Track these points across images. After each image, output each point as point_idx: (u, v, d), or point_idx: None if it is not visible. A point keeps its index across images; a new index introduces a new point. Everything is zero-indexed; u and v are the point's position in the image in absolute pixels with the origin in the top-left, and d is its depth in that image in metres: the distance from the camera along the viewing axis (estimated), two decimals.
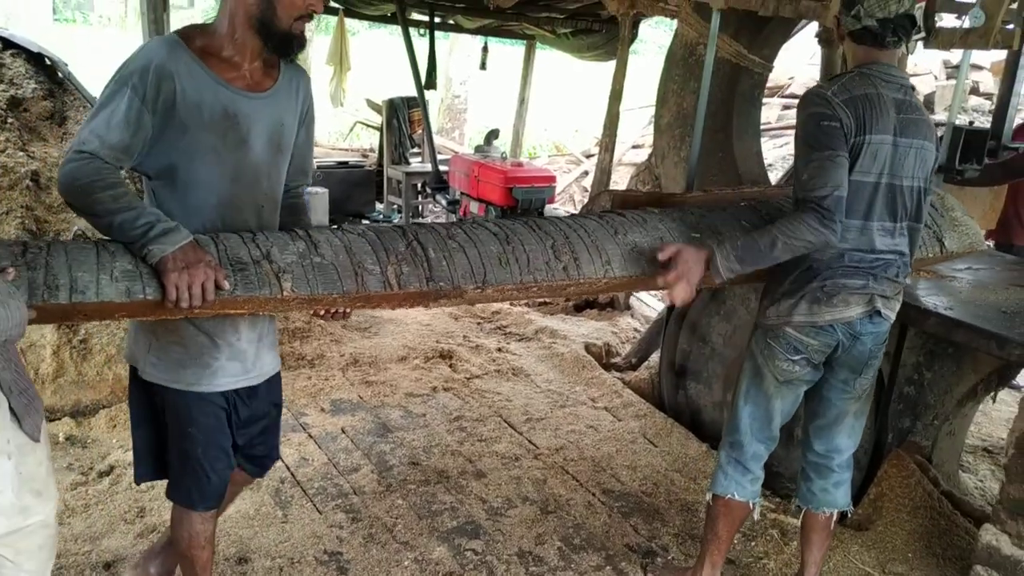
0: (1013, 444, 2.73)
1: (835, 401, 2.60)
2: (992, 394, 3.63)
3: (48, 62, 4.84)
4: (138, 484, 2.46)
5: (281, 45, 2.04)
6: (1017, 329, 2.77)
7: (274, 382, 2.36)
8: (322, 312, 2.10)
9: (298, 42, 2.06)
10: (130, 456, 3.46)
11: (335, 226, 2.18)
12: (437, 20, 8.96)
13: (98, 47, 16.40)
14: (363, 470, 3.55)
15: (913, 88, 2.47)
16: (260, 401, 2.31)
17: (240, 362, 2.18)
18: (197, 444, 2.18)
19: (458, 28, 9.88)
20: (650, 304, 6.57)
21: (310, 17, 2.05)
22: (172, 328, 2.08)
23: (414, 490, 3.42)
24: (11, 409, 1.75)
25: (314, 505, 3.25)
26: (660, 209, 2.70)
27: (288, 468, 3.50)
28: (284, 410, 4.04)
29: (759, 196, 2.92)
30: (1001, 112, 3.44)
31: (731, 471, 2.66)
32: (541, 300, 6.46)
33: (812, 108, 2.34)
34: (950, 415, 3.45)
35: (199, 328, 2.09)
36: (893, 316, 2.50)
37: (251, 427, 2.32)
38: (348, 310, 2.13)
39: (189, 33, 2.02)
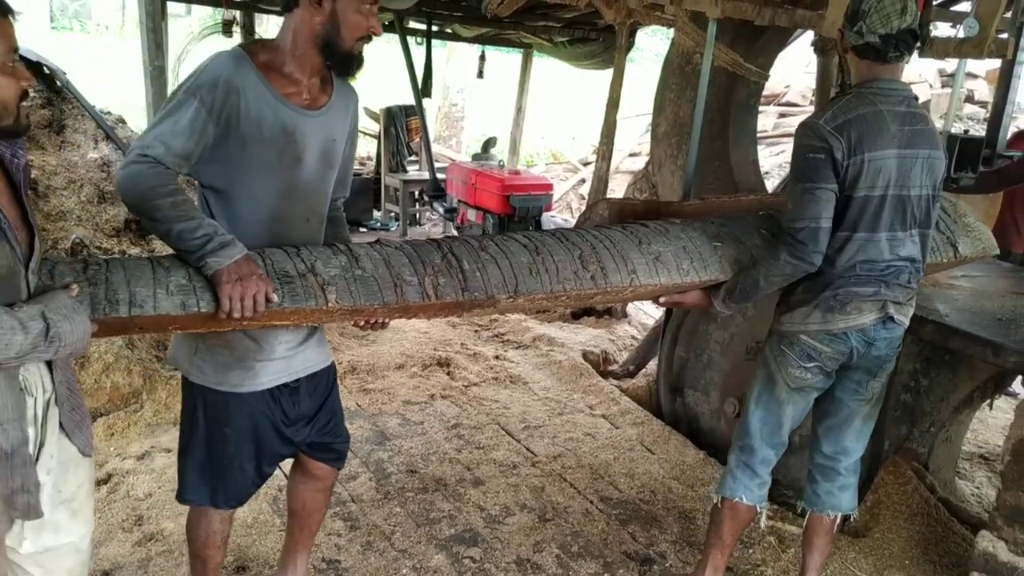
0: (1009, 451, 2.74)
1: (847, 402, 2.62)
2: (988, 401, 3.64)
3: (47, 70, 4.85)
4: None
5: (343, 64, 2.12)
6: (1012, 336, 2.79)
7: (322, 375, 2.39)
8: (362, 323, 2.19)
9: (358, 62, 2.13)
10: (127, 464, 3.50)
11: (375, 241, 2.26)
12: (435, 29, 8.99)
13: (96, 55, 16.42)
14: (361, 478, 3.55)
15: (916, 98, 2.49)
16: (306, 396, 2.35)
17: (282, 360, 2.24)
18: (230, 443, 2.24)
19: (455, 36, 9.91)
20: (648, 312, 6.58)
21: (369, 39, 2.11)
22: (219, 332, 2.12)
23: (412, 498, 3.42)
24: (61, 425, 1.79)
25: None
26: (682, 219, 2.72)
27: (287, 477, 3.49)
28: None
29: (756, 204, 2.93)
30: (996, 120, 3.46)
31: (740, 474, 2.69)
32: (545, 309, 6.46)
33: (801, 139, 2.42)
34: (947, 422, 3.46)
35: (245, 332, 2.15)
36: (907, 321, 2.54)
37: (306, 421, 2.37)
38: (387, 320, 2.22)
39: (253, 48, 2.08)
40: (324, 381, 2.42)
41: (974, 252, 2.96)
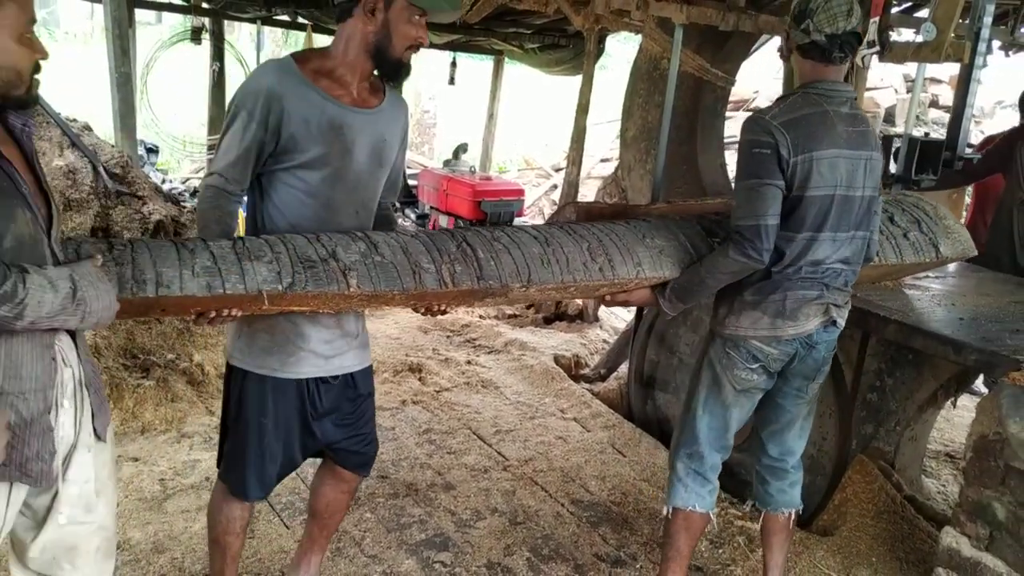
0: (971, 448, 2.78)
1: (788, 407, 2.64)
2: (952, 399, 3.69)
3: None
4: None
5: (392, 70, 2.27)
6: (973, 335, 2.84)
7: (360, 377, 2.47)
8: (422, 310, 2.33)
9: (406, 69, 2.28)
10: None
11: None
12: None
13: (64, 63, 16.26)
14: None
15: (856, 99, 2.52)
16: (340, 394, 2.42)
17: (321, 354, 2.32)
18: (266, 434, 2.32)
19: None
20: (619, 316, 6.62)
21: (417, 48, 2.26)
22: (264, 317, 2.21)
23: (383, 503, 3.41)
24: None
25: (281, 520, 3.23)
26: (680, 216, 2.76)
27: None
28: None
29: (722, 207, 2.97)
30: (955, 123, 3.52)
31: (691, 483, 2.66)
32: (510, 310, 6.49)
33: (747, 135, 2.39)
34: (912, 421, 3.51)
35: (288, 317, 2.24)
36: (843, 323, 2.56)
37: (335, 418, 2.43)
38: (445, 308, 2.36)
39: (306, 56, 2.27)
40: (362, 383, 2.49)
41: (954, 253, 3.02)
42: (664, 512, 2.74)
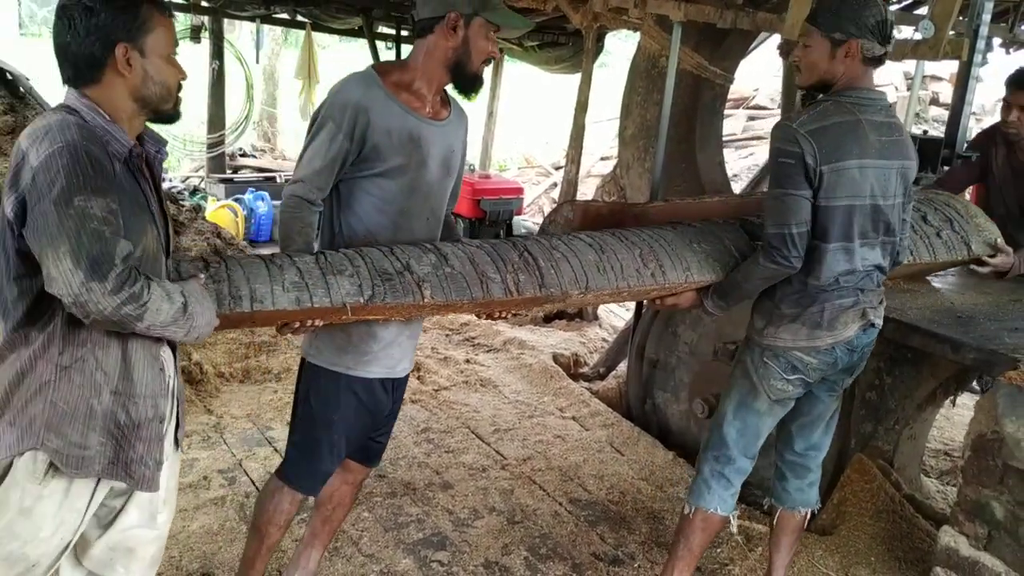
0: (969, 447, 2.78)
1: (823, 398, 2.63)
2: (951, 398, 3.69)
3: (9, 76, 4.79)
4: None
5: (469, 83, 2.39)
6: (971, 333, 2.83)
7: (406, 380, 2.62)
8: (483, 315, 2.51)
9: (480, 82, 2.42)
10: None
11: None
12: (404, 33, 8.98)
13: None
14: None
15: (890, 106, 2.50)
16: (395, 397, 2.57)
17: (390, 357, 2.44)
18: (335, 430, 2.42)
19: None
20: (618, 314, 6.61)
21: (489, 61, 2.41)
22: None
23: (380, 502, 3.41)
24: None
25: None
26: (724, 220, 2.80)
27: (253, 483, 3.48)
28: (250, 424, 4.03)
29: (721, 206, 2.97)
30: (954, 121, 3.51)
31: (715, 485, 2.63)
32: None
33: (774, 143, 2.38)
34: (911, 419, 3.50)
35: (361, 323, 2.34)
36: (881, 322, 2.56)
37: (382, 419, 2.57)
38: (504, 313, 2.48)
39: (387, 68, 2.39)
40: (405, 385, 2.64)
41: (983, 250, 3.13)
42: (685, 510, 2.71)
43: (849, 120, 2.34)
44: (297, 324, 2.12)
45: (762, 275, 2.43)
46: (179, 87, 1.85)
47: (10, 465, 1.73)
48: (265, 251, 8.34)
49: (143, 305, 1.61)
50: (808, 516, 2.80)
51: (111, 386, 1.77)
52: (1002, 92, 3.64)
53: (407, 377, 2.61)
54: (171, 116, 1.87)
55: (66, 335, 1.72)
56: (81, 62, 1.73)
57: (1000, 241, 3.20)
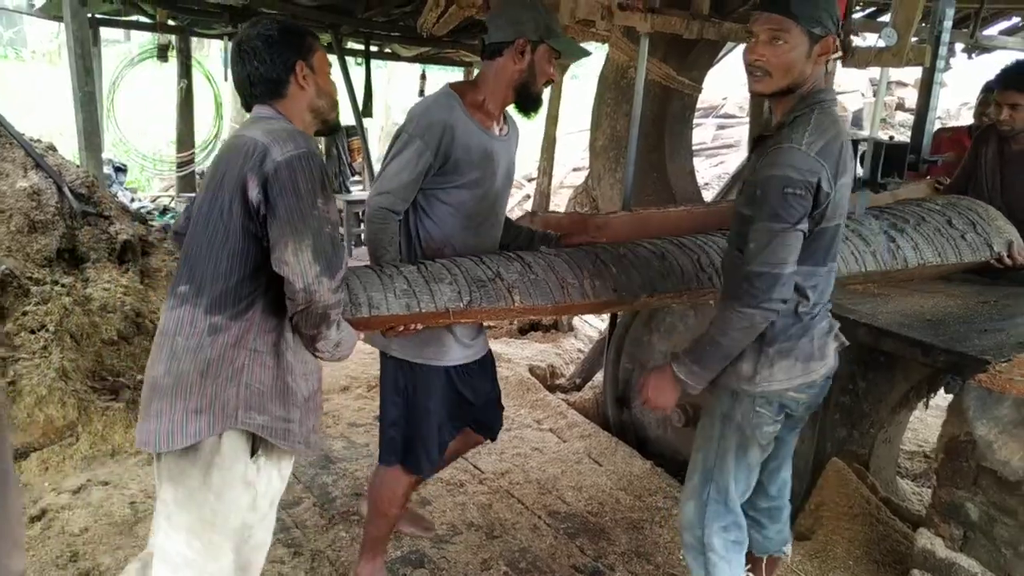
0: (942, 449, 2.80)
1: (788, 438, 2.51)
2: (924, 400, 3.72)
3: None
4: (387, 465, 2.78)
5: (531, 104, 2.62)
6: (941, 336, 2.85)
7: (488, 362, 2.85)
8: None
9: (541, 102, 2.65)
10: (63, 499, 3.40)
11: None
12: (373, 49, 8.98)
13: (32, 83, 16.19)
14: (305, 503, 3.49)
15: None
16: (479, 377, 2.79)
17: (465, 344, 2.67)
18: (434, 418, 2.67)
19: (395, 56, 9.91)
20: (593, 325, 6.62)
21: (549, 84, 2.62)
22: None
23: (358, 522, 3.37)
24: None
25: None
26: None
27: None
28: None
29: (685, 215, 2.99)
30: (919, 126, 3.55)
31: (734, 555, 2.42)
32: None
33: (782, 171, 2.04)
34: (885, 423, 3.53)
35: None
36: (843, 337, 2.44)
37: (478, 397, 2.79)
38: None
39: (462, 89, 2.59)
40: (489, 365, 2.87)
41: (1003, 249, 3.32)
42: None
43: (840, 129, 2.13)
44: (401, 327, 2.34)
45: (743, 325, 2.13)
46: (337, 102, 2.18)
47: (210, 447, 1.93)
48: None
49: (342, 309, 2.00)
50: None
51: (296, 364, 2.03)
52: (967, 97, 3.74)
53: (489, 354, 2.84)
54: (335, 126, 2.21)
55: (262, 322, 1.96)
56: (270, 83, 2.04)
57: (1018, 239, 3.35)
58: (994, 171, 3.86)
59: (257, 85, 2.06)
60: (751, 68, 2.15)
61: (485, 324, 2.82)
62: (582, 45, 2.91)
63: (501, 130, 2.64)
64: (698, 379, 2.23)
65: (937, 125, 4.00)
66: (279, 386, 1.99)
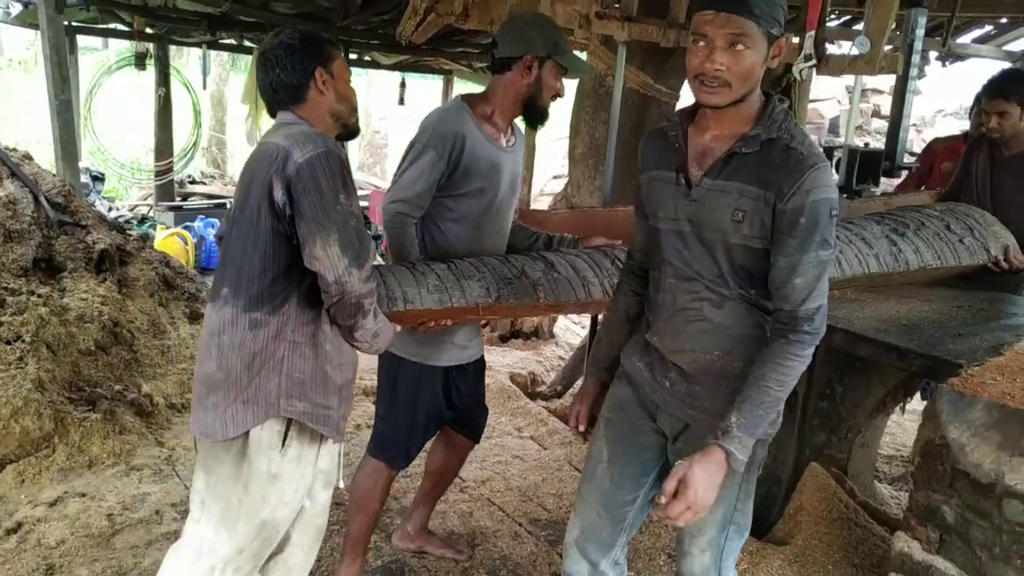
0: (919, 452, 2.82)
1: None
2: (900, 405, 3.75)
3: None
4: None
5: (539, 117, 2.69)
6: (916, 340, 2.88)
7: (479, 363, 2.97)
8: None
9: (547, 116, 2.71)
10: (39, 512, 3.36)
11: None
12: (353, 57, 8.98)
13: (8, 91, 16.10)
14: None
15: None
16: (470, 379, 2.91)
17: (460, 346, 2.77)
18: (418, 412, 2.78)
19: (374, 64, 9.91)
20: (574, 331, 6.63)
21: (556, 98, 2.68)
22: None
23: (337, 531, 3.35)
24: None
25: None
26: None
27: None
28: None
29: (626, 216, 3.06)
30: (893, 133, 3.59)
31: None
32: None
33: (831, 194, 1.80)
34: (863, 427, 3.55)
35: None
36: None
37: (465, 399, 2.90)
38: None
39: (472, 100, 2.68)
40: (480, 368, 3.00)
41: (999, 253, 3.38)
42: None
43: None
44: (432, 323, 2.42)
45: (804, 367, 1.86)
46: (357, 108, 2.28)
47: (246, 438, 2.04)
48: None
49: (376, 298, 2.12)
50: None
51: (334, 354, 2.13)
52: (942, 104, 3.83)
53: (481, 359, 2.95)
54: (355, 131, 2.31)
55: (298, 315, 2.06)
56: (291, 88, 2.14)
57: (1013, 244, 3.41)
58: (985, 176, 3.95)
59: (279, 91, 2.16)
60: (705, 79, 1.80)
61: (482, 327, 2.89)
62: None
63: (508, 141, 2.71)
64: (748, 449, 1.86)
65: (912, 133, 4.06)
66: (318, 375, 2.10)
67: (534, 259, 2.63)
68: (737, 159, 1.86)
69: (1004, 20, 6.68)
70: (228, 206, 9.99)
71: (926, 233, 3.31)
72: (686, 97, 5.13)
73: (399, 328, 2.34)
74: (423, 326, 2.44)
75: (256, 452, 2.05)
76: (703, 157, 1.92)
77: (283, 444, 2.08)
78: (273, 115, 2.22)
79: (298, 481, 2.14)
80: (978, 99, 4.56)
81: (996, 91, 3.73)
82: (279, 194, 1.99)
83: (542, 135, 5.65)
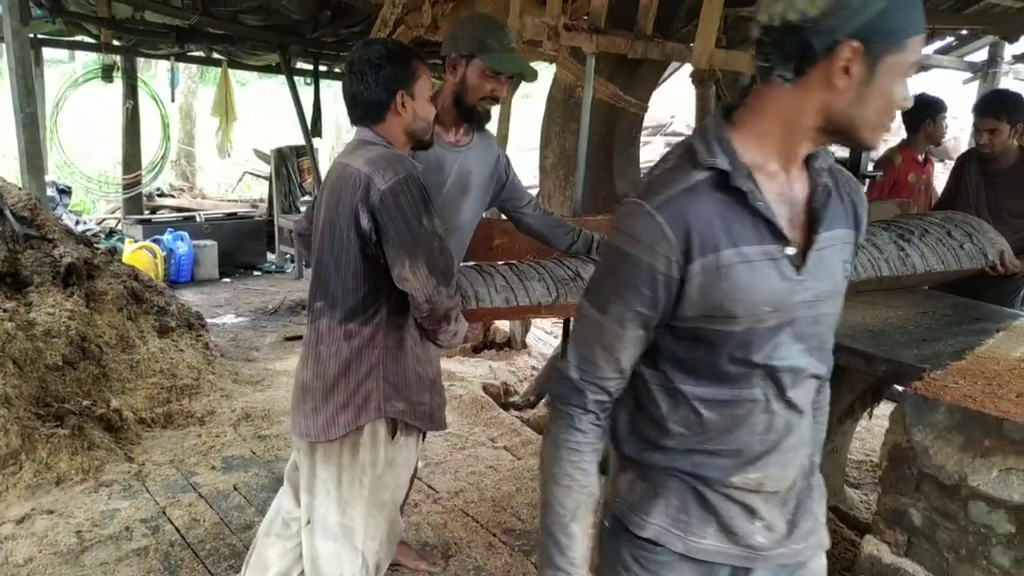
0: (887, 456, 2.86)
1: None
2: (868, 410, 3.80)
3: None
4: None
5: (467, 115, 2.70)
6: (882, 346, 2.93)
7: None
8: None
9: (479, 116, 2.72)
10: (6, 529, 3.31)
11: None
12: (322, 68, 8.97)
13: None
14: (256, 527, 3.44)
15: None
16: None
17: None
18: None
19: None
20: (546, 342, 6.65)
21: (495, 100, 2.69)
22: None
23: None
24: None
25: (206, 567, 3.14)
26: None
27: (178, 531, 3.38)
28: (173, 470, 3.93)
29: (605, 224, 3.12)
30: None
31: None
32: None
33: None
34: (832, 432, 3.59)
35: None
36: None
37: None
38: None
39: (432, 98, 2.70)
40: None
41: (996, 257, 3.54)
42: None
43: None
44: (491, 322, 2.59)
45: None
46: (432, 123, 2.36)
47: (358, 433, 2.22)
48: (186, 293, 8.13)
49: (460, 309, 2.27)
50: None
51: (422, 354, 2.31)
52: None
53: None
54: (428, 144, 2.41)
55: (388, 324, 2.21)
56: (371, 106, 2.23)
57: (1008, 249, 3.56)
58: (979, 188, 4.21)
59: (359, 107, 2.25)
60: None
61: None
62: (532, 65, 2.92)
63: (458, 140, 2.74)
64: None
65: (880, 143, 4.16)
66: (410, 375, 2.27)
67: (585, 262, 2.81)
68: (826, 195, 1.39)
69: (964, 32, 6.85)
70: (197, 219, 9.94)
71: (930, 239, 3.51)
72: (656, 108, 5.18)
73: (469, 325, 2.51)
74: (482, 323, 2.61)
75: (372, 444, 2.24)
76: (786, 209, 1.36)
77: (393, 436, 2.28)
78: (353, 123, 2.31)
79: (407, 464, 2.37)
80: (931, 113, 4.74)
81: (987, 110, 4.01)
82: (365, 221, 2.10)
83: (512, 146, 5.68)
